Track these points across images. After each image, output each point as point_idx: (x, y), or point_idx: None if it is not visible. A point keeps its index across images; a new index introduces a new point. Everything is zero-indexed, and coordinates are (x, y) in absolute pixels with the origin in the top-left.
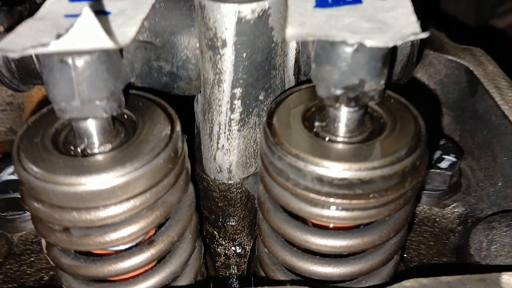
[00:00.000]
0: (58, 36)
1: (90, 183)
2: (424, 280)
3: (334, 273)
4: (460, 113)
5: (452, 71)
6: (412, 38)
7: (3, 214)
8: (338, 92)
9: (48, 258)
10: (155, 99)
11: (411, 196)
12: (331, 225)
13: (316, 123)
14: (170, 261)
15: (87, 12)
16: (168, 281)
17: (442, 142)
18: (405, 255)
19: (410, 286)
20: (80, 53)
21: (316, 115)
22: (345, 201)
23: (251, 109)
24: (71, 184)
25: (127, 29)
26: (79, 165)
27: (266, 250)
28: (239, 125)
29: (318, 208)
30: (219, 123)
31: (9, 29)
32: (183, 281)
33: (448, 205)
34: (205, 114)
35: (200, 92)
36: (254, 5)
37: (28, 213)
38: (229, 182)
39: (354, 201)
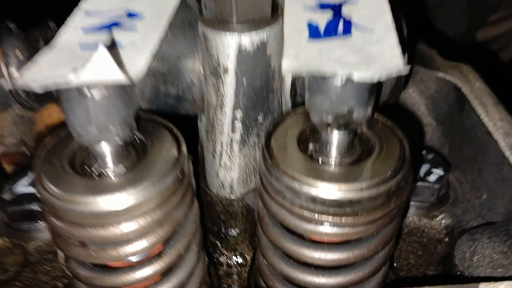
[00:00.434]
0: (75, 69)
1: (105, 202)
2: None
3: (327, 284)
4: (449, 128)
5: (441, 88)
6: (395, 75)
7: (19, 224)
8: (329, 118)
9: (65, 269)
10: (163, 122)
11: (397, 213)
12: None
13: (310, 146)
14: (178, 272)
15: (102, 48)
16: None
17: (431, 156)
18: (394, 264)
19: None
20: (96, 86)
21: (311, 138)
22: (336, 219)
23: (251, 130)
24: (87, 203)
25: (139, 63)
26: (95, 186)
27: (266, 262)
28: (240, 145)
29: (312, 225)
30: (221, 143)
31: (23, 54)
32: None
33: (436, 216)
34: (208, 134)
35: (204, 112)
36: (253, 35)
37: (41, 223)
38: (231, 196)
39: (344, 219)
